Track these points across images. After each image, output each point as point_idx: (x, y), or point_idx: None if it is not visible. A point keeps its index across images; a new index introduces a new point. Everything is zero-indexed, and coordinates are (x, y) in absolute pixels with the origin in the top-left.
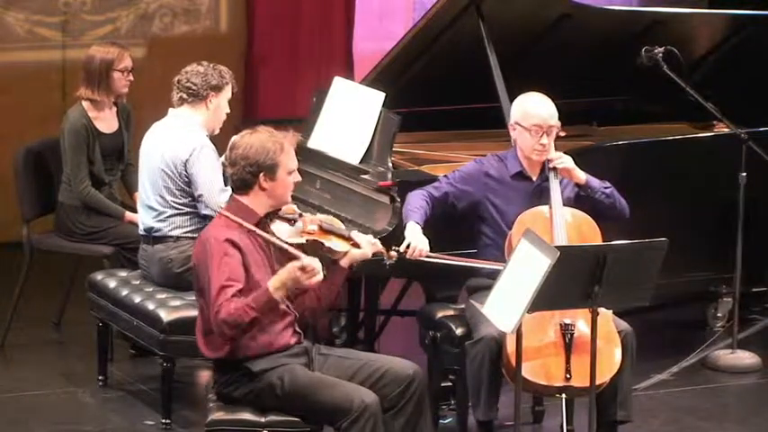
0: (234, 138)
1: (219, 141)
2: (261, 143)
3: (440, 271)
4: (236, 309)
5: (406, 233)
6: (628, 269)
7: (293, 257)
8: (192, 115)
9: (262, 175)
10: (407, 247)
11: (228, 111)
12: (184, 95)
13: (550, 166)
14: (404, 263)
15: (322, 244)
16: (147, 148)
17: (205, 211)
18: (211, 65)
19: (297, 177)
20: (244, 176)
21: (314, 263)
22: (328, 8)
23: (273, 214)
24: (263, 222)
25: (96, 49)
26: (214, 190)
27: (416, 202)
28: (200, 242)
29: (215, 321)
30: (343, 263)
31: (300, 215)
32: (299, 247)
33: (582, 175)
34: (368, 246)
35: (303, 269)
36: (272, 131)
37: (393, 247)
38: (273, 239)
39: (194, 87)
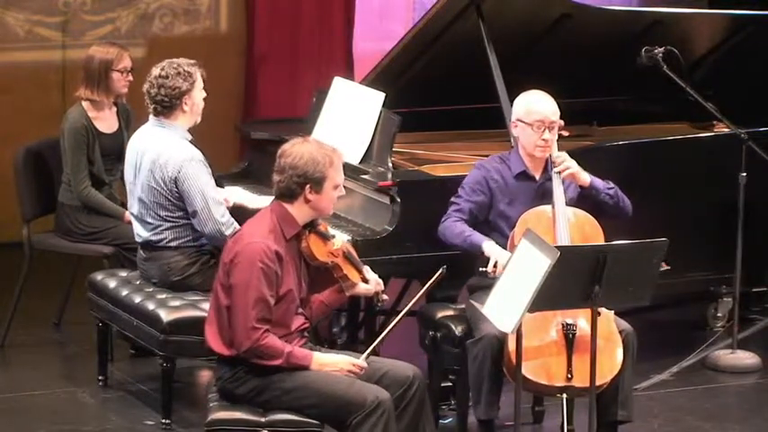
0: (284, 145)
1: (220, 143)
2: (311, 155)
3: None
4: (276, 348)
5: (489, 253)
6: (628, 269)
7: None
8: (171, 122)
9: (308, 186)
10: (495, 266)
11: (205, 95)
12: (158, 107)
13: (555, 170)
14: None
15: (341, 269)
16: (135, 160)
17: (199, 227)
18: (173, 66)
19: (341, 191)
20: (290, 185)
21: (364, 365)
22: (328, 8)
23: (312, 227)
24: (302, 233)
25: (96, 50)
26: (208, 205)
27: (461, 226)
28: (244, 243)
29: (247, 337)
30: (348, 292)
31: (333, 236)
32: (322, 264)
33: (586, 178)
34: (374, 283)
35: (355, 366)
36: (322, 143)
37: (480, 268)
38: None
39: (166, 100)
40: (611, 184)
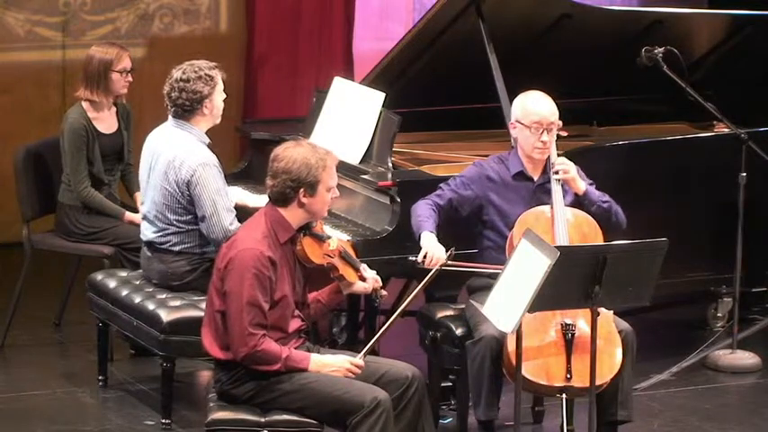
0: (276, 149)
1: (220, 143)
2: (304, 159)
3: (441, 271)
4: (273, 353)
5: (423, 243)
6: (628, 269)
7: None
8: (191, 125)
9: (302, 190)
10: (425, 257)
11: (225, 96)
12: (179, 111)
13: (553, 172)
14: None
15: (337, 270)
16: (150, 160)
17: (206, 233)
18: (194, 69)
19: (335, 193)
20: (283, 190)
21: (361, 364)
22: (328, 8)
23: (307, 229)
24: (296, 236)
25: (95, 50)
26: (218, 211)
27: (424, 211)
28: (238, 249)
29: (244, 344)
30: (345, 291)
31: (329, 237)
32: (317, 266)
33: (582, 186)
34: (371, 281)
35: (354, 366)
36: (315, 146)
37: (409, 257)
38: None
39: (187, 104)
40: (607, 198)
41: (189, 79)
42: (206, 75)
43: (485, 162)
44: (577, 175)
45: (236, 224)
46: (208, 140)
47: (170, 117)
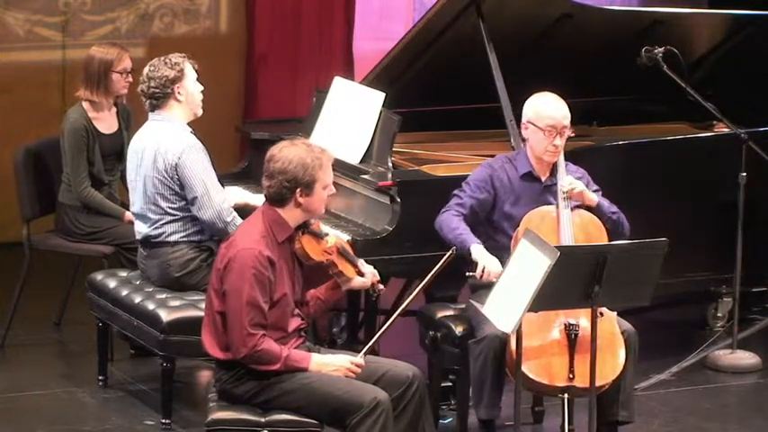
0: (272, 149)
1: (220, 143)
2: (300, 158)
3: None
4: (273, 353)
5: (477, 257)
6: (628, 269)
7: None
8: (168, 113)
9: (298, 190)
10: (482, 270)
11: (202, 88)
12: (153, 101)
13: (563, 190)
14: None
15: (336, 266)
16: (136, 158)
17: (199, 214)
18: (162, 60)
19: (332, 191)
20: (280, 190)
21: (362, 363)
22: (328, 8)
23: (305, 228)
24: (294, 235)
25: (96, 50)
26: (208, 191)
27: (458, 223)
28: (236, 249)
29: (243, 344)
30: (344, 287)
31: (326, 234)
32: (317, 263)
33: (594, 198)
34: (369, 276)
35: (355, 365)
36: (310, 145)
37: (467, 273)
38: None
39: (157, 90)
40: (615, 209)
41: (155, 68)
42: (171, 61)
43: (493, 162)
44: (585, 188)
45: (228, 204)
46: (190, 129)
47: (149, 115)
